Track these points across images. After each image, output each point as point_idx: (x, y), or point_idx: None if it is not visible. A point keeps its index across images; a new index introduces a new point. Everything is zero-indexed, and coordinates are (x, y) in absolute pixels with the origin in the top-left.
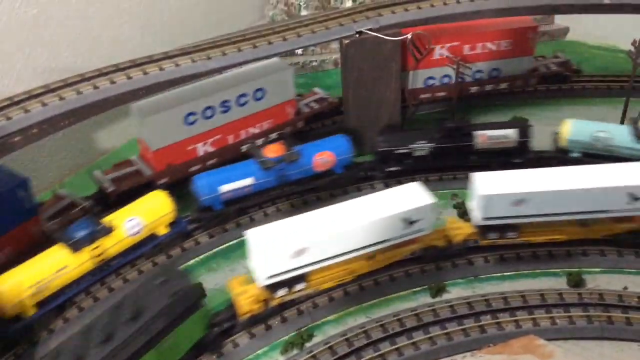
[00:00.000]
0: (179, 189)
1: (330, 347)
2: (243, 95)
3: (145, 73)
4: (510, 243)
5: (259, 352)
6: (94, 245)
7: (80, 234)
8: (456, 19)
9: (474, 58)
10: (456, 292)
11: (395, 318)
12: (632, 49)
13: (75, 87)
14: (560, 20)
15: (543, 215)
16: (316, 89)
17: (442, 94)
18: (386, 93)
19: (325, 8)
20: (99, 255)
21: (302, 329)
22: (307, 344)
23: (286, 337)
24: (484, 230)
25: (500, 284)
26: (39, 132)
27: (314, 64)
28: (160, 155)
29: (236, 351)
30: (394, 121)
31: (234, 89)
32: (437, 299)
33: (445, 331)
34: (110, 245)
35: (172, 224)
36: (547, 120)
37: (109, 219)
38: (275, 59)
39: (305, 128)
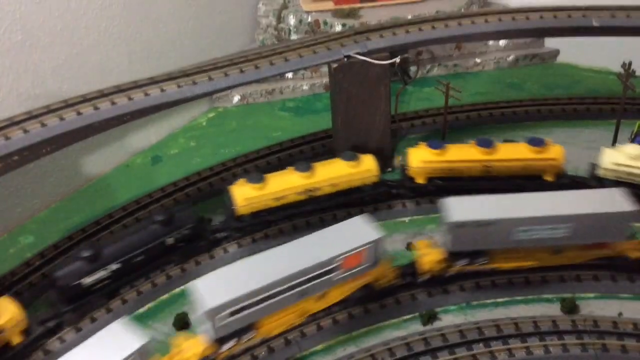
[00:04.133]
0: None
1: None
2: None
3: (130, 98)
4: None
5: None
6: None
7: None
8: (446, 43)
9: None
10: (448, 319)
11: (385, 347)
12: (622, 71)
13: (57, 113)
14: (550, 43)
15: None
16: None
17: None
18: (375, 116)
19: (315, 32)
20: None
21: None
22: None
23: None
24: None
25: (493, 311)
26: (20, 160)
27: (305, 87)
28: None
29: None
30: (384, 144)
31: None
32: (428, 327)
33: None
34: None
35: None
36: None
37: None
38: None
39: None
